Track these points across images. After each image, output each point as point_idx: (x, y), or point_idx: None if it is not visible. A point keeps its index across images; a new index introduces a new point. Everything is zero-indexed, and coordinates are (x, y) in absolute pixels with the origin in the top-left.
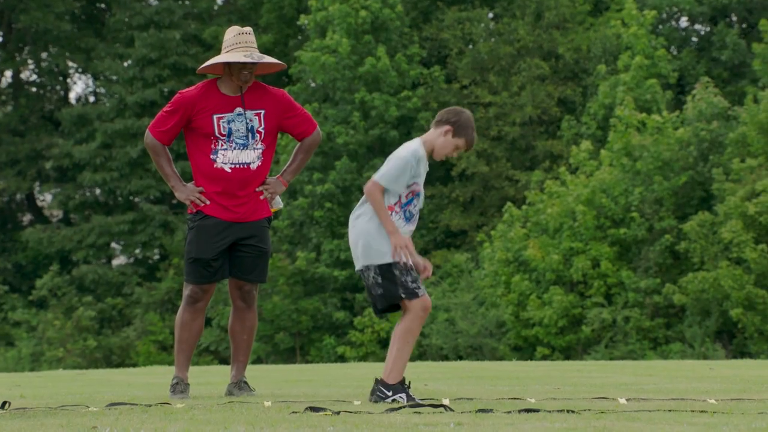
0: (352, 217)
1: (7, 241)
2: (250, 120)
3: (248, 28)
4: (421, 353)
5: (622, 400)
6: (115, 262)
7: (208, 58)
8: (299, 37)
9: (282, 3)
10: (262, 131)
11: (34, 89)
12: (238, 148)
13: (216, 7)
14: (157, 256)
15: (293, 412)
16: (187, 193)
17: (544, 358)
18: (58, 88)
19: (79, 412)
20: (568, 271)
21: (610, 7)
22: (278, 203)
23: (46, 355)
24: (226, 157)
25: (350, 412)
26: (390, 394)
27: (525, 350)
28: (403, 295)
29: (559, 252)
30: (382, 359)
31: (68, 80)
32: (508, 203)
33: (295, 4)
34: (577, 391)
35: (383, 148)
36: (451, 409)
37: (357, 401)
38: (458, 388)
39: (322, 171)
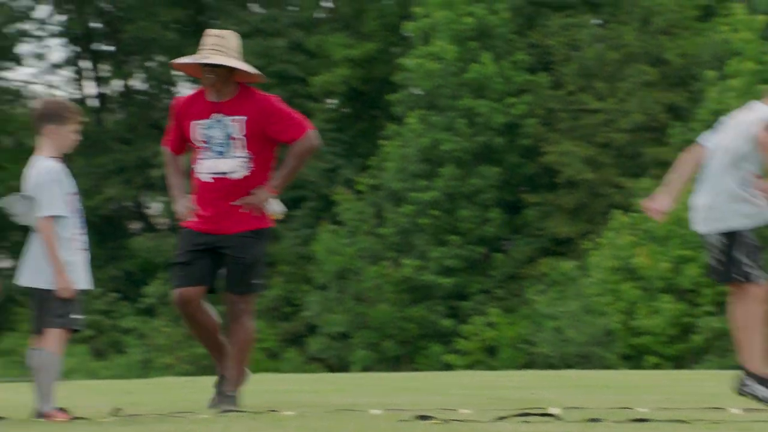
0: (711, 174)
1: (117, 249)
2: (228, 126)
3: (224, 32)
4: (528, 361)
5: (737, 410)
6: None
7: (312, 67)
8: (403, 45)
9: (386, 11)
10: (243, 138)
11: (142, 98)
12: (216, 157)
13: (320, 16)
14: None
15: (401, 420)
16: (179, 206)
17: (654, 367)
18: (165, 96)
19: (188, 419)
20: (678, 278)
21: (718, 12)
22: (276, 209)
23: (155, 362)
24: (205, 166)
25: (458, 420)
26: (762, 389)
27: (634, 359)
28: (736, 276)
29: (668, 260)
30: (490, 368)
31: (175, 88)
32: (616, 210)
33: (399, 11)
34: (689, 400)
35: (489, 155)
36: (560, 419)
37: (465, 410)
38: (566, 397)
39: (428, 178)
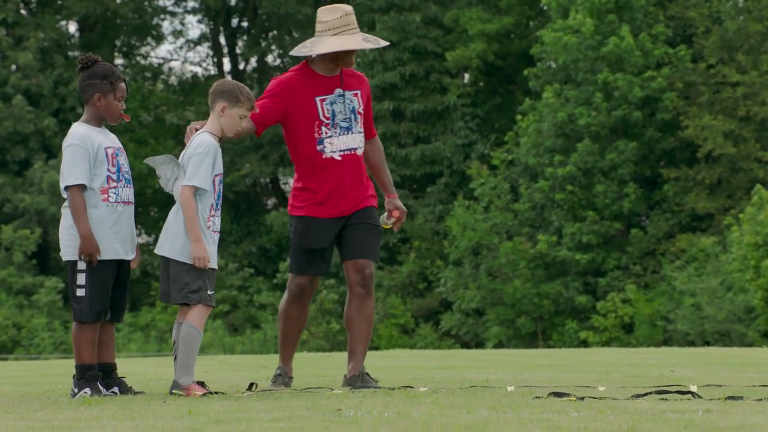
0: None
1: (252, 225)
2: (352, 101)
3: (349, 7)
4: (666, 338)
5: None
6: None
7: (447, 42)
8: (540, 18)
9: None
10: (362, 112)
11: (277, 74)
12: (342, 133)
13: None
14: (396, 239)
15: (536, 397)
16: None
17: None
18: None
19: (323, 394)
20: None
21: None
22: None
23: None
24: (332, 143)
25: (595, 397)
26: None
27: None
28: None
29: None
30: (626, 344)
31: None
32: (758, 185)
33: None
34: None
35: (626, 130)
36: (699, 396)
37: (601, 387)
38: (706, 374)
39: (564, 153)
